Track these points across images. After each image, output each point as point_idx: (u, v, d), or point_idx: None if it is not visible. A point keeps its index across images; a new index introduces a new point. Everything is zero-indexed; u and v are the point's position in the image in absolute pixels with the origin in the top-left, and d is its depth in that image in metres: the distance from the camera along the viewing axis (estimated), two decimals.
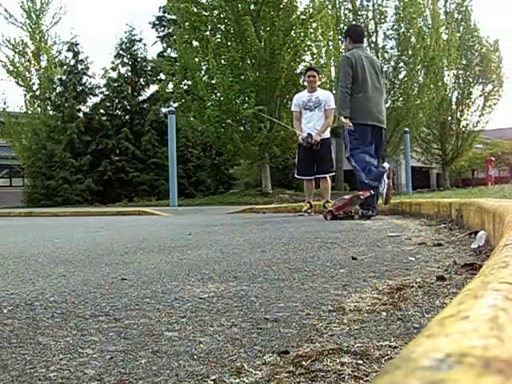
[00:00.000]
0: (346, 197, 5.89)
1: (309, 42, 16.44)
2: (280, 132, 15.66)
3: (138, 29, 45.31)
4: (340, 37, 19.24)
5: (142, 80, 23.42)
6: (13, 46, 23.92)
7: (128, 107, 23.06)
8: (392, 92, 21.09)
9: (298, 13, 16.15)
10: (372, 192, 5.41)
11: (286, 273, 2.11)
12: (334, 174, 7.79)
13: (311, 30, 16.44)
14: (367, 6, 22.37)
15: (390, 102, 20.61)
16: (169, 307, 1.58)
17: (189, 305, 1.60)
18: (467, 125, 27.17)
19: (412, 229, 3.88)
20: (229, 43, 16.17)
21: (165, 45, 24.33)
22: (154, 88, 23.32)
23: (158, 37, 25.30)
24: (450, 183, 28.10)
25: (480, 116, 27.14)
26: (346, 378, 0.97)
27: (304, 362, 1.05)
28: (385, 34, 22.25)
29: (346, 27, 16.47)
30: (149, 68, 23.30)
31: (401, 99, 21.28)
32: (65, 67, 23.28)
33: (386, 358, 1.06)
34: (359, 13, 22.27)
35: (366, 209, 5.42)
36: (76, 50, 23.17)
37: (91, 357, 1.15)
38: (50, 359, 1.14)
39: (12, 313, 1.57)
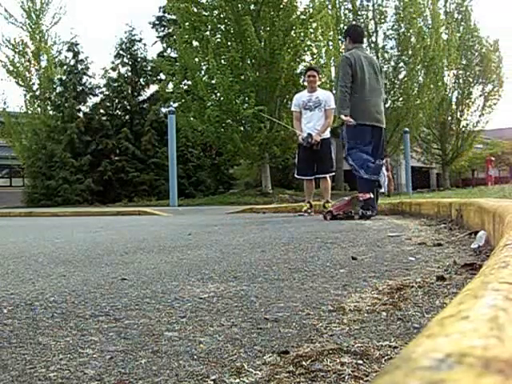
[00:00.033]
0: (346, 198, 5.92)
1: (309, 42, 16.45)
2: (280, 132, 15.66)
3: (138, 29, 45.40)
4: (340, 37, 19.24)
5: (141, 80, 23.43)
6: (13, 46, 23.94)
7: (128, 107, 23.06)
8: (392, 92, 21.09)
9: (298, 13, 16.16)
10: (371, 194, 5.42)
11: (285, 273, 2.11)
12: (334, 174, 7.79)
13: (311, 30, 16.44)
14: (367, 6, 22.40)
15: (390, 101, 20.61)
16: (169, 307, 1.57)
17: (189, 305, 1.59)
18: (467, 125, 27.21)
19: (412, 229, 3.87)
20: (229, 43, 16.18)
21: (165, 45, 24.35)
22: (153, 88, 23.39)
23: (158, 37, 25.34)
24: (450, 183, 28.11)
25: (480, 116, 27.19)
26: (346, 377, 0.97)
27: (304, 362, 1.05)
28: (385, 34, 22.27)
29: (345, 27, 16.48)
30: (149, 68, 23.31)
31: (401, 99, 21.28)
32: (65, 67, 23.29)
33: (386, 357, 1.06)
34: (359, 13, 22.29)
35: (366, 209, 5.42)
36: (76, 49, 23.19)
37: (91, 357, 1.15)
38: (49, 359, 1.14)
39: (12, 313, 1.57)
